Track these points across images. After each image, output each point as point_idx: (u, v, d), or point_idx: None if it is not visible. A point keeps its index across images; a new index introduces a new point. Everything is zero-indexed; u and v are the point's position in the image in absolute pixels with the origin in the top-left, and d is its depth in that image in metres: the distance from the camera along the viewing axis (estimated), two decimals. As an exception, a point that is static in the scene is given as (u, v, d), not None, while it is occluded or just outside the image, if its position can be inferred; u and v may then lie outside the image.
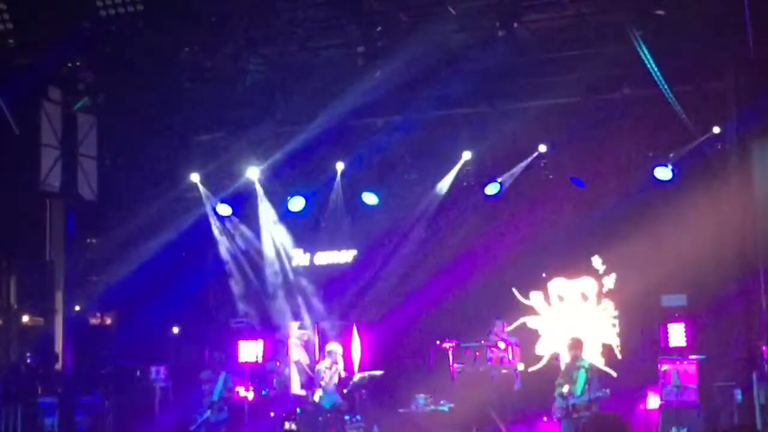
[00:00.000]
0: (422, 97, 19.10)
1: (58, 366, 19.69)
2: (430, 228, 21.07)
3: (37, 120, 19.27)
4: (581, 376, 16.12)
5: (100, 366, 20.34)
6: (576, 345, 16.60)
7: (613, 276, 19.70)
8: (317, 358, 20.04)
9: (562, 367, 17.09)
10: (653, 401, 17.52)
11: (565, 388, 16.09)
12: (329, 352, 18.32)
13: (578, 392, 15.98)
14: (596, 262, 19.86)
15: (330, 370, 18.01)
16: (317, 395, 17.92)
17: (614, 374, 19.07)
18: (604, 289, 19.78)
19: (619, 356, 19.47)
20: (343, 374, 18.27)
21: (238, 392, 19.59)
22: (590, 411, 15.80)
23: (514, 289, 20.10)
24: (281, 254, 22.19)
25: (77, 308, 20.37)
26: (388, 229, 21.35)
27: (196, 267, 21.98)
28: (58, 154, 19.81)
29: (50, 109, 19.59)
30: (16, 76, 17.89)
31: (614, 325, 19.65)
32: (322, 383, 17.95)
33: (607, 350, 19.55)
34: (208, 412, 18.13)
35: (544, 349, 19.90)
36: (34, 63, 17.96)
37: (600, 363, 19.32)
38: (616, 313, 19.64)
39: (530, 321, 20.18)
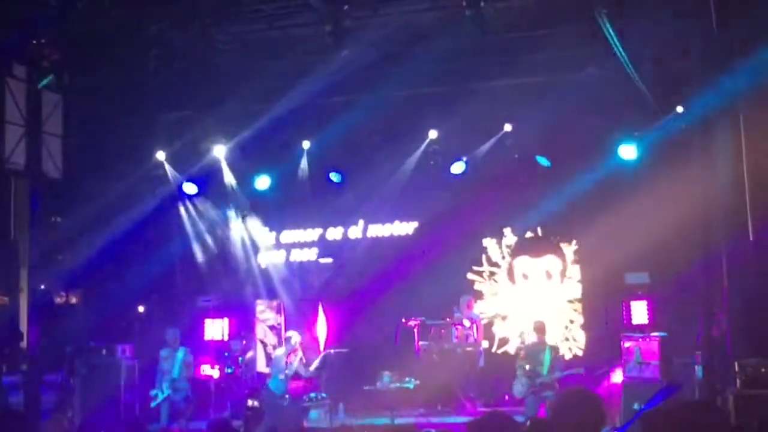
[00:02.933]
0: (389, 76, 19.07)
1: (23, 344, 19.61)
2: (396, 206, 21.15)
3: (1, 97, 19.17)
4: (546, 356, 16.39)
5: (66, 345, 20.26)
6: (541, 327, 16.91)
7: (577, 254, 19.89)
8: (282, 338, 20.09)
9: (523, 348, 17.29)
10: (617, 377, 17.70)
11: (528, 367, 16.34)
12: (287, 339, 18.03)
13: (544, 371, 16.23)
14: (561, 240, 20.06)
15: (287, 358, 17.77)
16: (271, 382, 17.66)
17: (579, 353, 19.32)
18: (568, 267, 19.97)
19: (583, 333, 19.68)
20: (304, 359, 18.10)
21: (201, 369, 19.61)
22: (554, 390, 16.10)
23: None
24: (247, 233, 22.22)
25: (42, 287, 20.26)
26: (355, 207, 21.41)
27: (163, 246, 21.96)
28: (23, 132, 19.67)
29: (15, 87, 19.42)
30: (-20, 54, 17.77)
31: (578, 302, 19.85)
32: (275, 370, 17.64)
33: (572, 326, 19.76)
34: (169, 390, 18.06)
35: (509, 328, 20.07)
36: (-2, 40, 17.85)
37: (564, 340, 19.59)
38: (580, 290, 19.84)
39: (493, 301, 20.36)
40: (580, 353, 19.65)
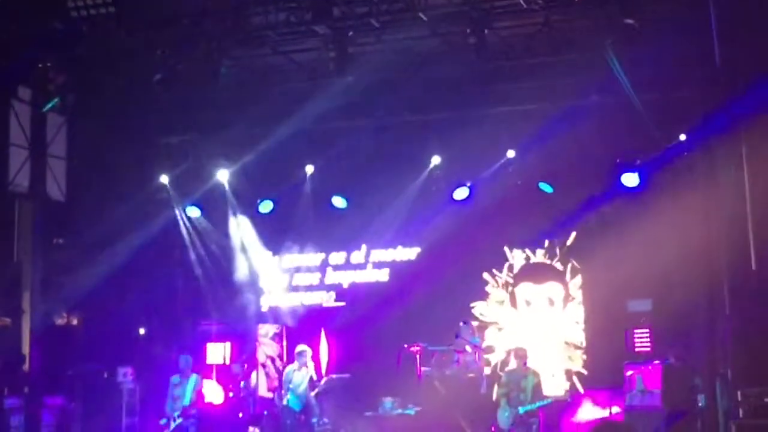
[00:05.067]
0: (392, 101, 19.20)
1: (25, 367, 19.62)
2: (399, 232, 21.16)
3: (6, 120, 19.29)
4: (529, 383, 16.35)
5: (66, 367, 20.23)
6: (523, 353, 16.84)
7: (579, 281, 19.89)
8: (284, 361, 20.08)
9: (503, 375, 17.23)
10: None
11: (511, 395, 16.32)
12: (299, 354, 18.14)
13: (528, 398, 16.19)
14: (563, 267, 20.07)
15: (300, 372, 17.91)
16: (285, 398, 17.89)
17: (585, 373, 19.35)
18: (571, 294, 19.97)
19: (585, 360, 19.66)
20: (314, 376, 18.24)
21: (204, 395, 19.58)
22: (537, 417, 16.07)
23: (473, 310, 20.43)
24: (249, 257, 22.22)
25: (42, 308, 20.25)
26: (357, 232, 21.41)
27: (165, 269, 21.97)
28: (27, 154, 19.82)
29: (19, 109, 19.61)
30: (-14, 76, 17.88)
31: (581, 326, 19.83)
32: (291, 386, 17.90)
33: (576, 351, 19.75)
34: (181, 417, 17.96)
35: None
36: (3, 63, 17.92)
37: (577, 357, 19.59)
38: (582, 317, 19.82)
39: (498, 338, 20.35)
40: (581, 380, 19.58)
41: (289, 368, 18.22)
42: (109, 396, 19.91)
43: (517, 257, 20.51)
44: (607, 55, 16.20)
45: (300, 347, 18.32)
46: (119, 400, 19.84)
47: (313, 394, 17.92)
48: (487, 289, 20.60)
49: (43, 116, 19.95)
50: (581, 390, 19.22)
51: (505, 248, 20.53)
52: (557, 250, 20.04)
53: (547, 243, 20.15)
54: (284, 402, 17.81)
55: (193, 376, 18.03)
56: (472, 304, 20.52)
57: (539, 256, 20.35)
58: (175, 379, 18.01)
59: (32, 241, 20.05)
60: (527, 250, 20.42)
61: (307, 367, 17.88)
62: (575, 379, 19.64)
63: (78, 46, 17.89)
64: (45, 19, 17.18)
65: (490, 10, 16.87)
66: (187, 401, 17.73)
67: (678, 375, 16.59)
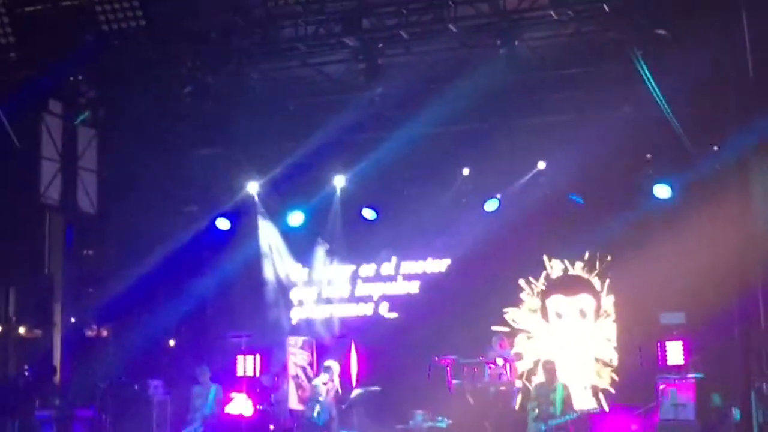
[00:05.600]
0: (422, 113, 19.14)
1: (56, 379, 19.69)
2: (429, 243, 21.09)
3: (37, 133, 19.40)
4: (558, 395, 16.19)
5: (97, 379, 20.28)
6: (551, 366, 16.68)
7: (611, 293, 19.74)
8: (314, 373, 20.05)
9: (533, 389, 17.10)
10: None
11: (538, 410, 16.16)
12: (327, 368, 18.31)
13: (558, 412, 16.03)
14: (589, 276, 19.95)
15: (326, 386, 17.99)
16: (315, 410, 17.90)
17: (612, 391, 19.19)
18: (603, 306, 19.83)
19: (617, 374, 19.51)
20: (340, 391, 18.27)
21: (233, 407, 19.55)
22: (568, 431, 15.92)
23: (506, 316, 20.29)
24: (279, 269, 22.21)
25: (72, 320, 20.33)
26: (387, 244, 21.37)
27: (194, 281, 21.97)
28: (58, 167, 19.92)
29: (51, 123, 19.72)
30: (18, 89, 17.95)
31: (612, 343, 19.67)
32: (320, 398, 17.94)
33: (605, 368, 19.59)
34: (201, 427, 17.96)
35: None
36: (35, 76, 18.06)
37: (605, 374, 19.44)
38: (614, 335, 19.66)
39: (527, 346, 20.23)
40: (607, 398, 19.40)
41: (317, 381, 18.29)
42: (140, 408, 19.91)
43: (555, 267, 20.36)
44: (638, 65, 16.06)
45: (328, 362, 18.38)
46: (150, 412, 19.82)
47: (343, 407, 17.90)
48: (522, 296, 20.45)
49: (74, 129, 20.04)
50: (606, 408, 19.00)
51: (545, 257, 20.38)
52: (597, 264, 19.86)
53: (587, 255, 19.96)
54: (314, 414, 17.83)
55: (213, 387, 18.06)
56: (504, 310, 20.38)
57: (578, 269, 20.19)
58: (196, 389, 18.07)
59: (63, 253, 20.15)
60: (566, 261, 20.26)
61: (333, 381, 17.91)
62: (601, 396, 19.44)
63: (108, 59, 17.96)
64: (76, 32, 17.26)
65: (521, 21, 16.80)
66: (208, 411, 17.74)
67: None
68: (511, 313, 20.40)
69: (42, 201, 19.62)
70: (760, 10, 15.88)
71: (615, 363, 19.54)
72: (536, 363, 19.80)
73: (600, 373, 19.59)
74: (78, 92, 19.46)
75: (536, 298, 20.40)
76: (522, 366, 19.83)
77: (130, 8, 16.35)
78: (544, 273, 20.40)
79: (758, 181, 17.11)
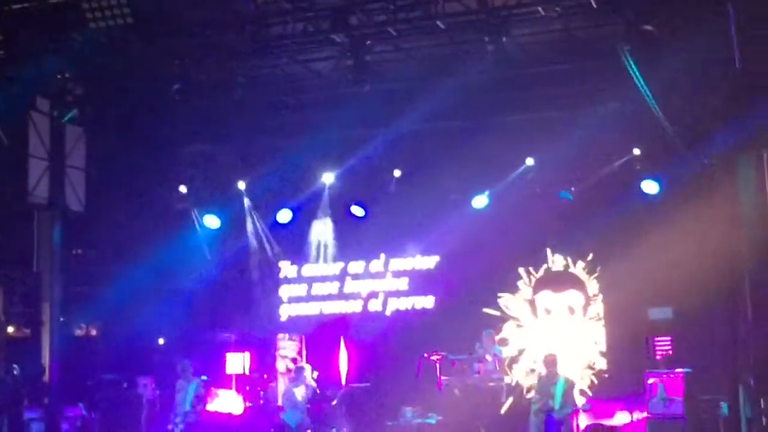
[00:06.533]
0: (410, 110, 19.13)
1: (45, 378, 19.65)
2: (418, 240, 21.11)
3: (25, 131, 19.32)
4: (559, 389, 16.22)
5: (86, 377, 20.27)
6: (553, 360, 16.69)
7: (599, 289, 19.78)
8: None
9: (536, 384, 17.16)
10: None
11: (539, 404, 16.20)
12: (298, 370, 18.29)
13: (557, 406, 16.06)
14: (583, 275, 19.98)
15: (299, 389, 17.84)
16: (285, 414, 17.83)
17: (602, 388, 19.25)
18: (591, 302, 19.87)
19: (606, 368, 19.55)
20: (318, 390, 18.15)
21: (222, 404, 19.53)
22: (568, 425, 15.94)
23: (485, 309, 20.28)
24: (268, 266, 22.21)
25: (61, 319, 20.29)
26: (376, 241, 21.38)
27: (183, 278, 21.96)
28: (46, 165, 19.85)
29: (38, 121, 19.64)
30: (5, 87, 17.87)
31: (599, 346, 19.71)
32: (294, 400, 17.83)
33: (587, 370, 19.65)
34: (182, 423, 17.83)
35: (531, 362, 19.94)
36: (23, 74, 17.96)
37: (586, 375, 19.47)
38: (602, 338, 19.70)
39: (515, 334, 20.26)
40: (602, 389, 19.45)
41: (290, 384, 18.24)
42: (129, 406, 19.91)
43: (557, 262, 20.38)
44: (626, 61, 16.09)
45: (300, 364, 18.33)
46: (139, 410, 19.82)
47: (333, 403, 17.87)
48: (519, 283, 20.47)
49: (61, 127, 19.98)
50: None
51: (548, 250, 20.39)
52: (585, 259, 19.89)
53: (591, 256, 19.91)
54: (283, 417, 17.78)
55: (194, 381, 17.92)
56: (499, 294, 20.39)
57: (558, 264, 20.25)
58: (179, 384, 17.99)
59: (51, 252, 20.10)
60: (569, 258, 20.27)
61: (305, 385, 17.78)
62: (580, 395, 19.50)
63: (96, 57, 17.90)
64: (63, 30, 17.20)
65: (509, 17, 16.77)
66: (187, 406, 17.57)
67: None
68: (504, 299, 20.42)
69: (30, 199, 19.56)
70: (747, 5, 15.91)
71: (597, 367, 19.61)
72: (520, 352, 19.96)
73: (582, 375, 19.59)
74: (66, 90, 19.37)
75: (530, 288, 20.41)
76: (506, 351, 19.79)
77: (117, 6, 16.27)
78: (544, 266, 20.44)
79: (745, 176, 17.16)
